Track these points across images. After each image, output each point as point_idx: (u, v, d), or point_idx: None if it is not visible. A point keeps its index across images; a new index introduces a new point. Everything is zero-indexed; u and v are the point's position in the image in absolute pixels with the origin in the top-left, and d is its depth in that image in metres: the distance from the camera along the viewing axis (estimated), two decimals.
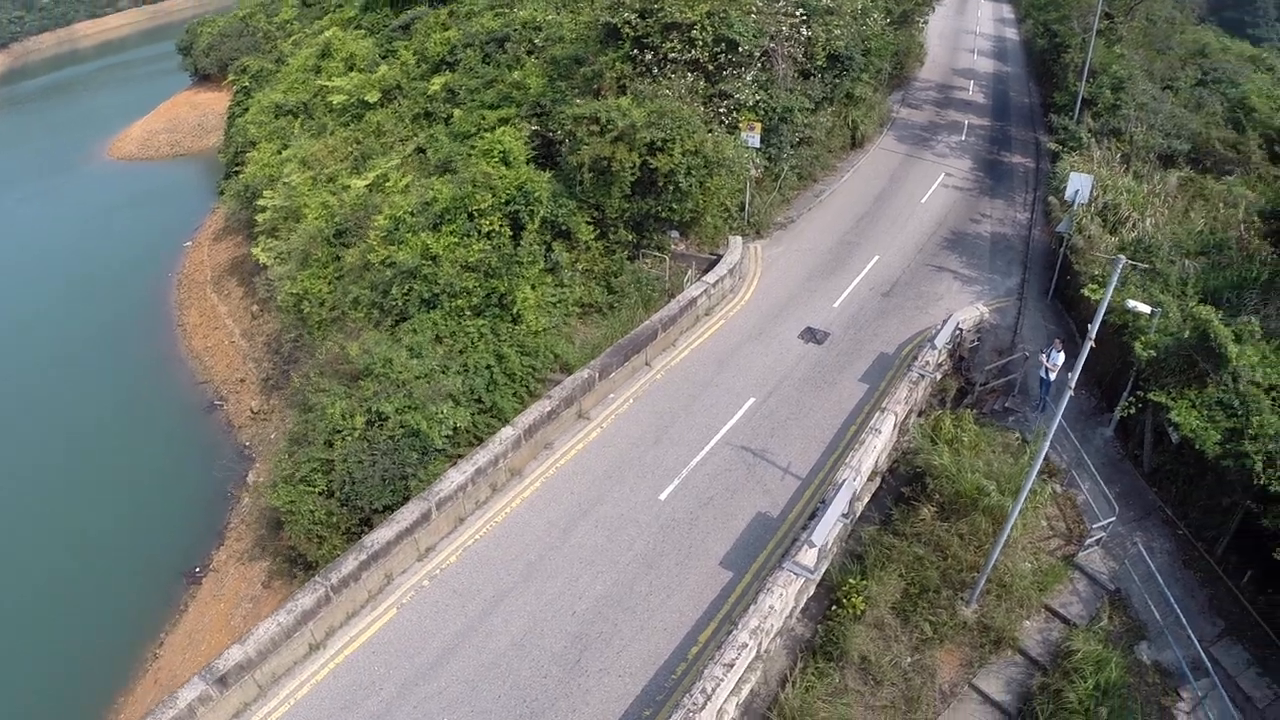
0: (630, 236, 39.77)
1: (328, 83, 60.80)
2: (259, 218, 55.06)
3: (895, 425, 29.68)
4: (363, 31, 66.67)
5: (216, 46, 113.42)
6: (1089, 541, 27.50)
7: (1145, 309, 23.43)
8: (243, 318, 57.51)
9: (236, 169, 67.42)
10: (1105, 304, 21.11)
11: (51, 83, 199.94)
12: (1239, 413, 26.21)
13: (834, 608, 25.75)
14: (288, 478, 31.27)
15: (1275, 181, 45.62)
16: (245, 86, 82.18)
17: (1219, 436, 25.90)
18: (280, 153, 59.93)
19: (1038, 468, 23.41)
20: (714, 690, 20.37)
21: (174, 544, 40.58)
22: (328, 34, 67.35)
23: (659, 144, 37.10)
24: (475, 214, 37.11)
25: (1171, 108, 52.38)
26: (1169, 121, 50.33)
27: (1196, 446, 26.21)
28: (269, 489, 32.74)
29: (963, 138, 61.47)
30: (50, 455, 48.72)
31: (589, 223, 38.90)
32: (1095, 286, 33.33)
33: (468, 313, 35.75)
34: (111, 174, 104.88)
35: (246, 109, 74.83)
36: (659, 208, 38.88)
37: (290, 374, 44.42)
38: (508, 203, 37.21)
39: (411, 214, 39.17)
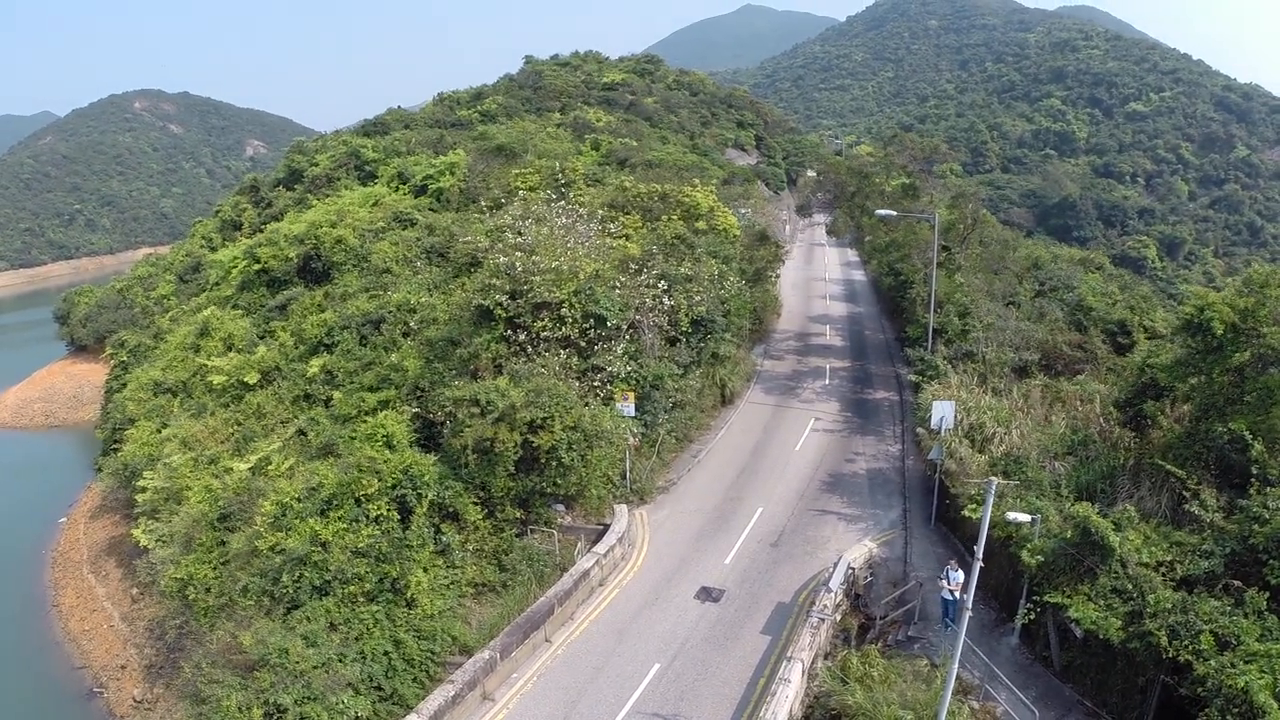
0: (517, 513, 40.71)
1: (207, 362, 61.72)
2: (139, 498, 54.61)
3: (803, 672, 30.31)
4: (240, 311, 68.33)
5: (94, 317, 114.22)
6: None
7: (1025, 518, 25.21)
8: (122, 601, 56.05)
9: (115, 446, 67.07)
10: (985, 524, 22.78)
11: None
12: (1134, 595, 27.86)
13: None
14: None
15: (1123, 371, 48.49)
16: (123, 361, 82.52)
17: (1120, 622, 27.42)
18: (160, 431, 59.90)
19: (950, 689, 24.40)
20: None
21: None
22: (206, 313, 68.73)
23: (539, 422, 38.79)
24: (362, 499, 37.64)
25: (1016, 323, 56.51)
26: (1016, 336, 54.27)
27: (1101, 636, 27.63)
28: None
29: (826, 381, 64.90)
30: None
31: (476, 502, 39.81)
32: (974, 507, 34.86)
33: (361, 599, 35.71)
34: None
35: (125, 384, 74.97)
36: (543, 483, 40.18)
37: (178, 661, 43.15)
38: (394, 486, 37.93)
39: (298, 500, 39.40)
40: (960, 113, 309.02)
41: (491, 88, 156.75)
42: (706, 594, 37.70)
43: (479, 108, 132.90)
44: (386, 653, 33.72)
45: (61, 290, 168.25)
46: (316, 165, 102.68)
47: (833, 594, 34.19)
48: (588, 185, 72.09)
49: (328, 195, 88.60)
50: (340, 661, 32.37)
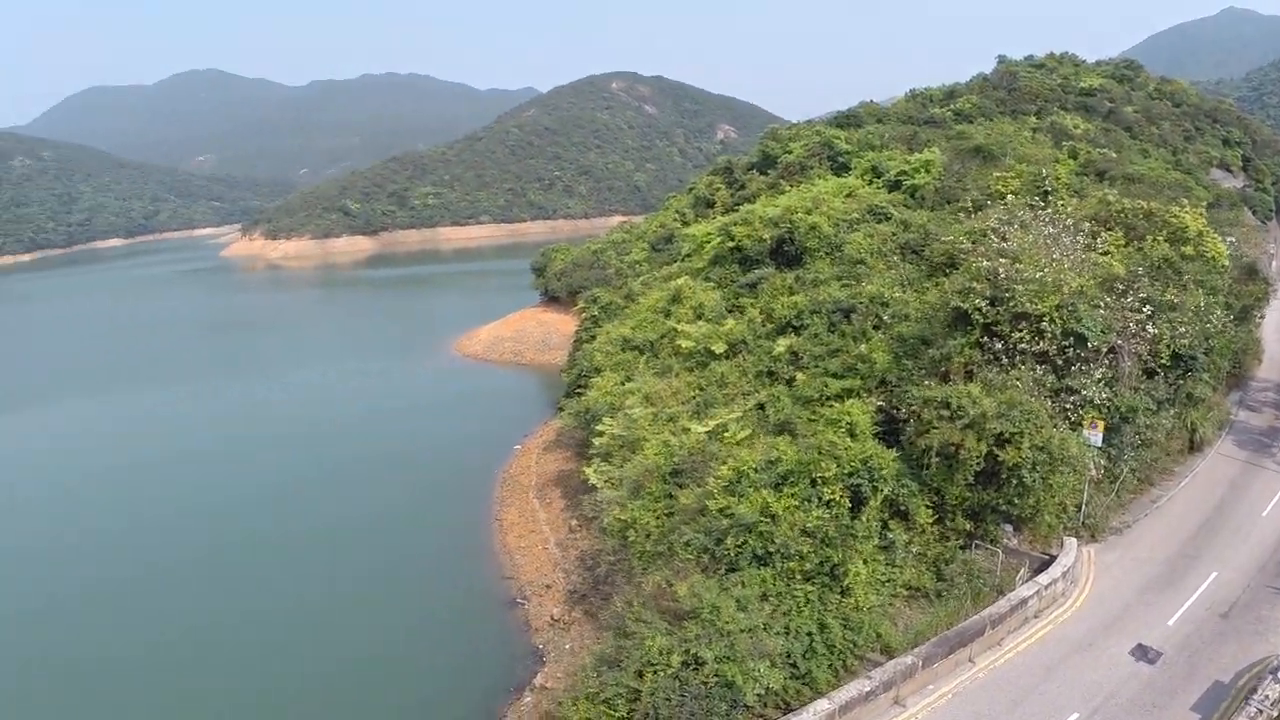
0: (966, 525, 40.30)
1: (677, 327, 65.27)
2: (596, 441, 58.81)
3: None
4: (711, 284, 71.59)
5: (568, 273, 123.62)
6: None
7: None
8: (560, 528, 60.68)
9: (578, 390, 72.81)
10: None
11: (413, 274, 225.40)
12: None
13: None
14: (591, 695, 32.68)
15: None
16: (594, 316, 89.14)
17: None
18: (623, 384, 64.26)
19: None
20: None
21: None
22: (679, 282, 72.64)
23: (1007, 436, 37.98)
24: (818, 480, 38.59)
25: None
26: None
27: None
28: (566, 699, 34.45)
29: None
30: (344, 609, 54.22)
31: (928, 506, 39.69)
32: None
33: (798, 576, 36.67)
34: (456, 368, 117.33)
35: (594, 337, 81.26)
36: (999, 499, 39.45)
37: (604, 593, 46.64)
38: (851, 474, 38.58)
39: (755, 470, 41.04)
40: None
41: (964, 86, 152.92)
42: (1142, 653, 35.63)
43: (952, 106, 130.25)
44: (810, 634, 34.49)
45: (537, 245, 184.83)
46: (790, 152, 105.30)
47: None
48: (1069, 195, 68.86)
49: (800, 182, 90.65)
50: (765, 631, 33.50)
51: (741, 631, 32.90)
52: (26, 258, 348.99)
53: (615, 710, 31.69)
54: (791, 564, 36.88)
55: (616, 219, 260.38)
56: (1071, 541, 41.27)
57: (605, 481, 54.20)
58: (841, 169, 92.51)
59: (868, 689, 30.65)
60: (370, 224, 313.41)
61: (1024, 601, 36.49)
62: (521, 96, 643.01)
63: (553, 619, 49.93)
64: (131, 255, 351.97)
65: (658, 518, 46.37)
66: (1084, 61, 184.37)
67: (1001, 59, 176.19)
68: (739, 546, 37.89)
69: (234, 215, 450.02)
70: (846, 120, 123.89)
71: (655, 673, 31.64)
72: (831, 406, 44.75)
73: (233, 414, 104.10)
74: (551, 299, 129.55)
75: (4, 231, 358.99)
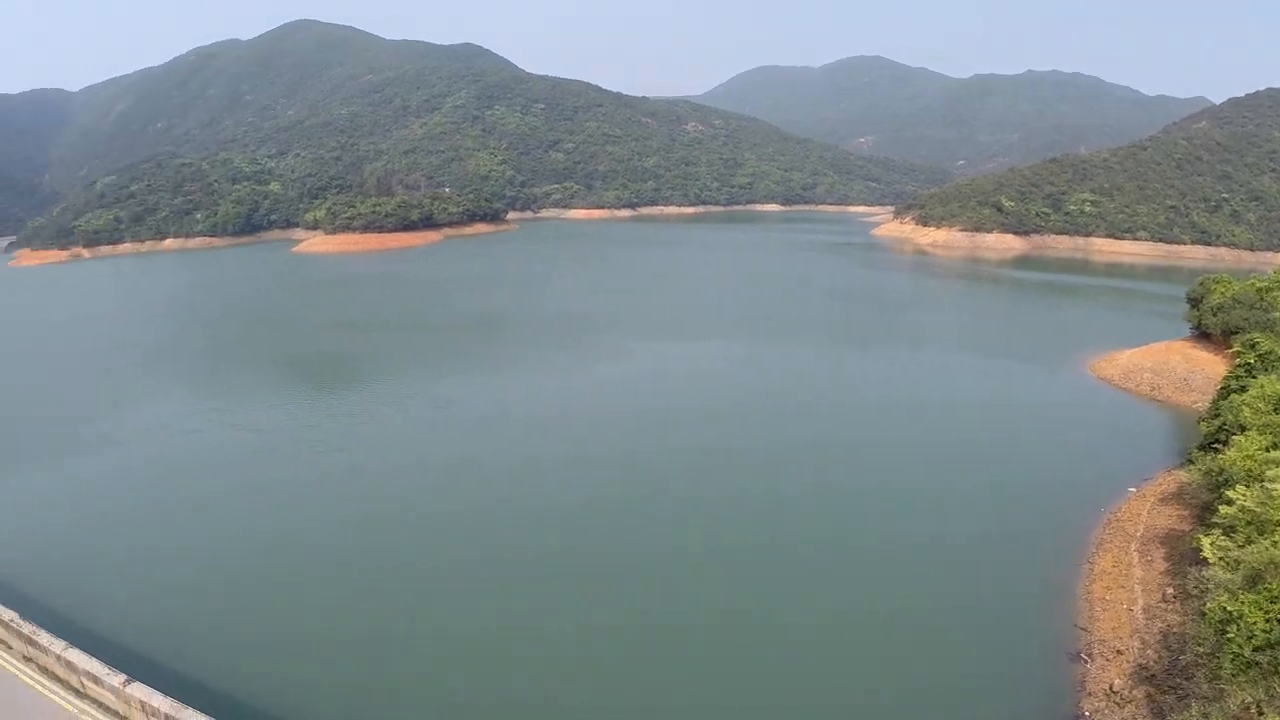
0: None
1: None
2: (1222, 509, 52.03)
3: None
4: None
5: (1226, 309, 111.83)
6: None
7: None
8: (1153, 592, 55.12)
9: (1214, 445, 65.99)
10: None
11: (1058, 281, 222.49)
12: None
13: None
14: None
15: None
16: (1249, 363, 79.98)
17: None
18: (1269, 450, 56.52)
19: None
20: None
21: None
22: None
23: None
24: None
25: None
26: None
27: None
28: None
29: None
30: (884, 610, 54.49)
31: None
32: None
33: None
34: (1085, 388, 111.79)
35: (1244, 387, 72.57)
36: None
37: (1179, 686, 42.45)
38: None
39: None
40: None
41: None
42: None
43: None
44: None
45: (1193, 272, 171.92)
46: None
47: None
48: None
49: None
50: None
51: None
52: (689, 210, 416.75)
53: None
54: None
55: None
56: None
57: (1220, 559, 47.28)
58: None
59: None
60: (1022, 224, 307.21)
61: None
62: (1190, 105, 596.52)
63: (1110, 689, 45.68)
64: (786, 221, 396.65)
65: (1269, 622, 39.31)
66: None
67: None
68: None
69: (887, 197, 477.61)
70: None
71: None
72: None
73: (848, 382, 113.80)
74: (1203, 334, 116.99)
75: (672, 185, 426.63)
